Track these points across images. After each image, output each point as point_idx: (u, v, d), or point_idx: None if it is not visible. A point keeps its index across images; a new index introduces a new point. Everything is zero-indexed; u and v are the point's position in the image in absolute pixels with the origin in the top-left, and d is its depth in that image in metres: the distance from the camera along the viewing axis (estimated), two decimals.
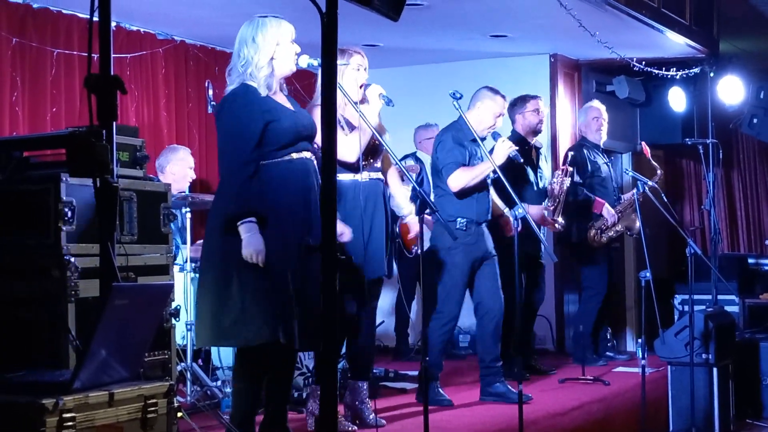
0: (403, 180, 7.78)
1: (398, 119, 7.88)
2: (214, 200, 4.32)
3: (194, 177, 6.59)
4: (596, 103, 7.79)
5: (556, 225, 6.88)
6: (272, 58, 4.24)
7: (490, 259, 5.87)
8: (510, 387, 5.80)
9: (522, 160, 6.06)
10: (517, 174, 6.53)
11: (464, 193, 5.79)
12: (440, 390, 5.78)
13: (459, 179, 5.75)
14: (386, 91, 4.95)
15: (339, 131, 4.80)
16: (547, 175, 7.27)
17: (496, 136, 5.89)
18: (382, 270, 4.95)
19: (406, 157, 7.81)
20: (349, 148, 4.75)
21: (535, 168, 7.02)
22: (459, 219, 5.81)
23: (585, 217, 7.42)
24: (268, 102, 4.23)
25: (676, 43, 8.31)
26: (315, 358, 5.31)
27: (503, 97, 5.99)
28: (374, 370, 6.36)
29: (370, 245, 4.88)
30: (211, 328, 4.20)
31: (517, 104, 7.00)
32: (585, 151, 7.58)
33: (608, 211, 7.40)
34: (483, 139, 5.92)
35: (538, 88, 8.16)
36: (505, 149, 5.75)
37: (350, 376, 5.08)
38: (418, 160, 7.81)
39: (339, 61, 4.49)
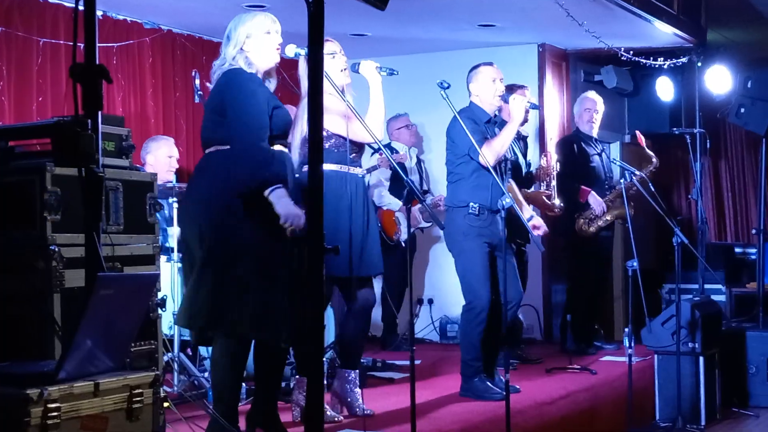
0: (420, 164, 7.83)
1: (386, 109, 7.91)
2: (221, 174, 4.14)
3: (176, 167, 6.57)
4: (591, 94, 7.77)
5: (555, 209, 6.91)
6: (242, 50, 4.25)
7: (508, 248, 5.80)
8: (500, 376, 5.81)
9: (537, 107, 6.07)
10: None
11: (482, 177, 5.73)
12: (488, 384, 5.68)
13: (492, 150, 5.64)
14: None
15: (342, 120, 4.79)
16: (534, 163, 7.30)
17: (505, 98, 5.88)
18: (378, 268, 5.00)
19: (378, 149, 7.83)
20: (359, 130, 4.76)
21: (524, 156, 7.05)
22: (471, 204, 5.71)
23: (572, 207, 7.42)
24: (267, 88, 4.27)
25: (663, 32, 8.31)
26: (295, 350, 5.27)
27: (487, 63, 5.97)
28: (362, 360, 6.37)
29: (368, 241, 4.89)
30: (207, 313, 4.14)
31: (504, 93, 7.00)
32: (575, 142, 7.58)
33: (595, 200, 7.41)
34: (497, 121, 5.93)
35: (526, 77, 8.16)
36: (520, 104, 5.76)
37: (339, 365, 5.08)
38: (393, 150, 7.83)
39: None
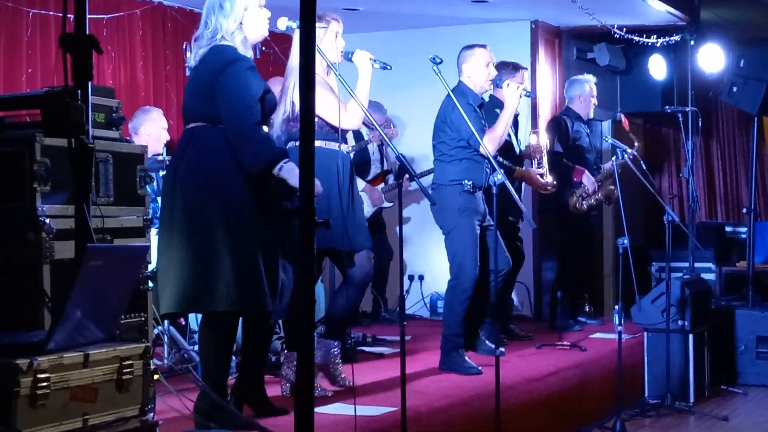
0: (383, 145, 7.80)
1: (375, 84, 7.87)
2: (218, 152, 4.12)
3: (168, 138, 6.54)
4: (593, 80, 7.72)
5: (549, 187, 6.92)
6: (241, 23, 4.20)
7: (489, 225, 5.85)
8: (486, 342, 6.00)
9: (531, 95, 6.11)
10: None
11: (472, 156, 5.75)
12: (466, 358, 5.69)
13: (493, 141, 5.69)
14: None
15: (336, 101, 4.76)
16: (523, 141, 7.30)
17: (499, 83, 5.89)
18: (369, 242, 4.99)
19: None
20: (351, 116, 4.74)
21: (515, 134, 7.05)
22: (465, 181, 5.73)
23: (565, 186, 7.41)
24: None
25: (657, 10, 8.29)
26: (285, 325, 5.31)
27: (482, 46, 5.98)
28: (352, 335, 6.38)
29: (356, 216, 4.89)
30: (185, 292, 4.11)
31: (505, 69, 6.98)
32: (567, 121, 7.57)
33: (589, 179, 7.42)
34: (483, 103, 5.96)
35: (519, 54, 8.14)
36: (514, 92, 5.78)
37: (322, 335, 5.07)
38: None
39: (317, 24, 4.46)
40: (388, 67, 4.86)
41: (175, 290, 4.09)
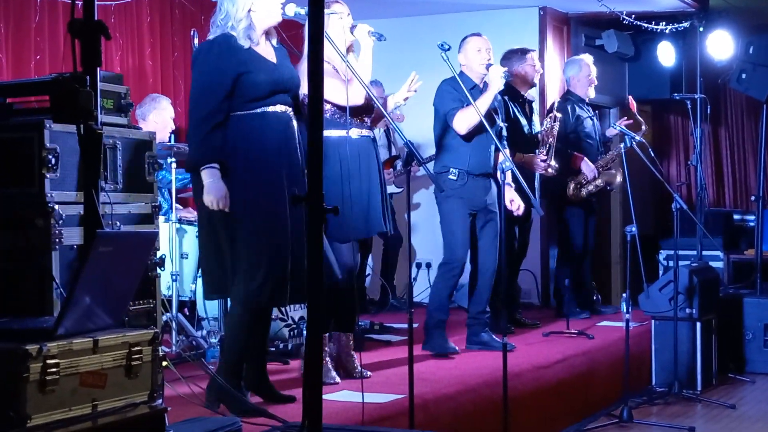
0: (390, 130, 7.82)
1: (384, 71, 7.86)
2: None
3: (174, 128, 6.55)
4: (590, 60, 7.66)
5: (550, 169, 6.89)
6: (250, 10, 4.20)
7: (492, 215, 5.88)
8: (494, 337, 5.93)
9: (511, 78, 6.10)
10: (511, 125, 6.55)
11: (464, 142, 5.80)
12: (445, 337, 5.81)
13: (463, 119, 5.74)
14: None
15: (337, 80, 4.75)
16: (538, 127, 7.27)
17: (488, 67, 5.91)
18: (381, 226, 4.97)
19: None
20: (353, 93, 4.71)
21: (529, 120, 7.03)
22: (452, 169, 5.84)
23: (564, 172, 7.37)
24: (245, 53, 4.20)
25: None
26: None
27: (477, 34, 6.05)
28: (360, 323, 6.38)
29: (370, 202, 4.88)
30: (209, 282, 4.30)
31: (514, 57, 6.99)
32: (569, 105, 7.52)
33: (587, 166, 7.36)
34: (484, 88, 5.91)
35: (527, 41, 8.10)
36: (497, 73, 5.77)
37: (334, 328, 5.08)
38: None
39: (326, 11, 4.45)
40: (383, 38, 4.84)
41: (207, 278, 4.30)
